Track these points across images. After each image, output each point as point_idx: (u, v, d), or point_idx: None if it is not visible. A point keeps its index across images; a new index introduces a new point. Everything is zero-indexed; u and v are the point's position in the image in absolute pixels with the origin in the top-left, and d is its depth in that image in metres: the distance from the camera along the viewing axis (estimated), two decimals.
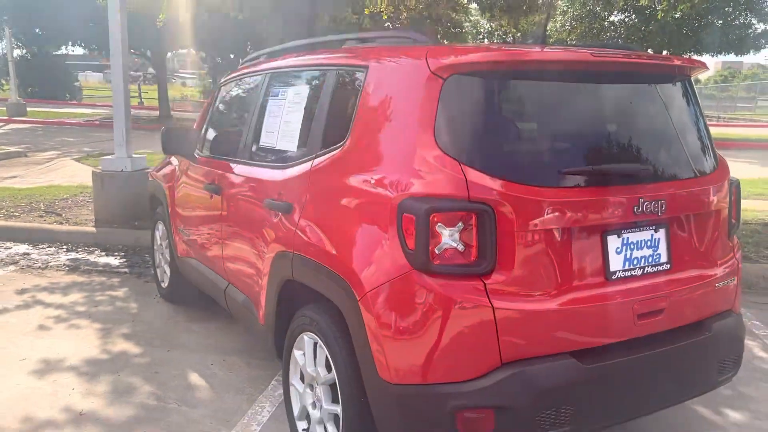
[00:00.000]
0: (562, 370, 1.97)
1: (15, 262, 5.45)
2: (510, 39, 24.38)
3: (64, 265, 5.43)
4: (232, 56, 32.16)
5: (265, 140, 3.04)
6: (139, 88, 35.25)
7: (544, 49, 2.25)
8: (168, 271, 4.49)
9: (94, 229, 6.22)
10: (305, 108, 2.73)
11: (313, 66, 2.80)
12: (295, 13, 6.84)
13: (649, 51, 19.51)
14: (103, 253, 5.84)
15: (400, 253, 1.99)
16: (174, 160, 4.36)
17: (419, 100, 2.08)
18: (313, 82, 2.76)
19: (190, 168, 3.85)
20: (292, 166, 2.68)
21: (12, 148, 13.25)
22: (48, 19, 19.88)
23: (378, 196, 2.11)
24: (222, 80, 3.87)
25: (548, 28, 22.38)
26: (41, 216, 6.74)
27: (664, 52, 17.87)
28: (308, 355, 2.49)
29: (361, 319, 2.05)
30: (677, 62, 2.41)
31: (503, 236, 1.95)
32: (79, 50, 26.60)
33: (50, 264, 5.43)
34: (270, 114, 3.04)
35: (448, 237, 1.94)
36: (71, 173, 10.37)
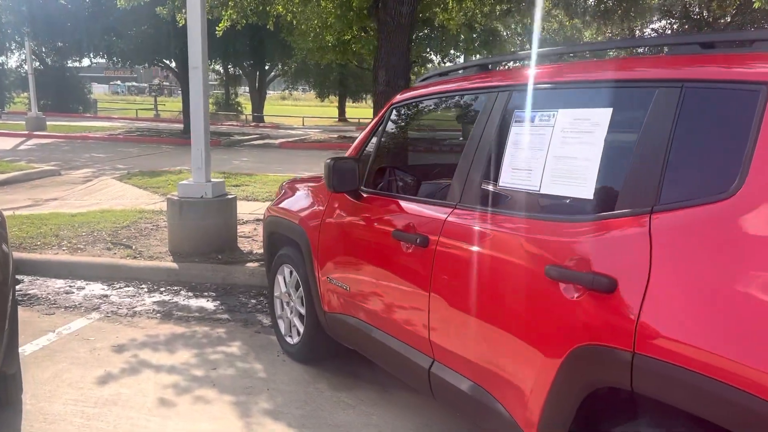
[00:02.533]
0: None
1: (96, 308, 4.70)
2: (527, 47, 23.70)
3: (154, 310, 4.67)
4: (249, 68, 31.46)
5: (513, 180, 2.29)
6: (155, 101, 34.64)
7: None
8: (300, 325, 3.74)
9: (175, 265, 5.47)
10: (607, 140, 1.98)
11: (618, 81, 2.05)
12: (394, 22, 6.15)
13: None
14: (191, 294, 5.09)
15: None
16: (311, 193, 3.63)
17: None
18: (623, 104, 2.01)
19: (356, 207, 3.10)
20: (596, 220, 1.93)
21: (44, 166, 12.55)
22: (69, 31, 19.17)
23: None
24: (397, 99, 3.08)
25: (588, 35, 21.78)
26: (109, 249, 5.99)
27: None
28: None
29: None
30: None
31: None
32: (100, 62, 25.89)
33: (137, 310, 4.68)
34: (517, 145, 2.30)
35: None
36: (116, 194, 9.65)
